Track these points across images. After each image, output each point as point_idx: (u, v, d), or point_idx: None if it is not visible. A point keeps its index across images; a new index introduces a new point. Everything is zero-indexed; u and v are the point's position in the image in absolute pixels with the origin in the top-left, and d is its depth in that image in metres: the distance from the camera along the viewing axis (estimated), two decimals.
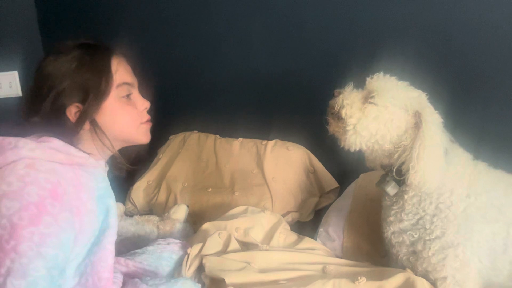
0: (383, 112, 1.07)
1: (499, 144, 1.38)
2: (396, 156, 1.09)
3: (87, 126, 0.93)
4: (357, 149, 1.11)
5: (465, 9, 1.49)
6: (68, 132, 0.91)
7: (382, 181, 1.16)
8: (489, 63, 1.49)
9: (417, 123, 1.07)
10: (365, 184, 1.55)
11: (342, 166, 1.76)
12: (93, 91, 0.91)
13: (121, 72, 0.97)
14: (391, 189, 1.13)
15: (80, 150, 0.92)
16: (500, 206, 1.07)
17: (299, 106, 1.86)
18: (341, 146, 1.13)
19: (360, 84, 1.16)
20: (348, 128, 1.08)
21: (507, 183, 1.12)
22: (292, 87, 1.85)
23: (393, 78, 1.12)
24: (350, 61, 1.70)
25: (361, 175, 1.60)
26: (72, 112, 0.92)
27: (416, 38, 1.57)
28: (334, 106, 1.12)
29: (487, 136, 1.41)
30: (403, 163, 1.07)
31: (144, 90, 1.06)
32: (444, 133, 1.09)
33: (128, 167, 1.06)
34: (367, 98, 1.08)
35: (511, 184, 1.12)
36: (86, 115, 0.91)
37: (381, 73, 1.13)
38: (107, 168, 1.03)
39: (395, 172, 1.11)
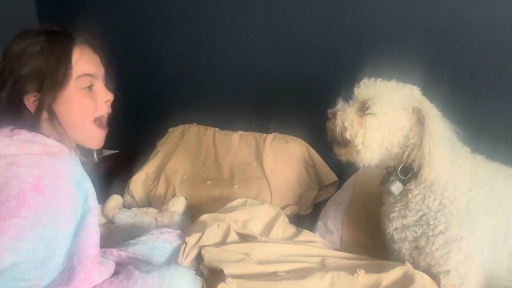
0: (383, 119, 1.05)
1: (496, 137, 1.38)
2: (405, 156, 1.08)
3: (44, 114, 0.92)
4: (377, 163, 1.09)
5: (462, 2, 1.48)
6: (29, 121, 0.90)
7: (386, 180, 1.15)
8: (486, 56, 1.49)
9: (419, 119, 1.06)
10: (365, 177, 1.55)
11: (341, 160, 1.77)
12: (49, 79, 0.89)
13: (83, 62, 0.94)
14: (395, 188, 1.12)
15: (52, 139, 0.91)
16: (500, 198, 1.08)
17: (298, 100, 1.86)
18: (361, 166, 1.11)
19: (354, 81, 1.15)
20: (358, 148, 1.06)
21: (506, 175, 1.12)
22: (292, 81, 1.85)
23: (380, 80, 1.11)
24: (350, 56, 1.71)
25: (361, 169, 1.60)
26: (30, 101, 0.90)
27: (413, 32, 1.57)
28: (335, 131, 1.10)
29: (483, 129, 1.41)
30: (413, 161, 1.06)
31: (111, 82, 1.04)
32: (447, 123, 1.08)
33: (89, 160, 1.07)
34: (363, 110, 1.07)
35: (509, 176, 1.12)
36: (42, 104, 0.89)
37: (366, 79, 1.11)
38: (78, 153, 1.03)
39: (400, 171, 1.10)
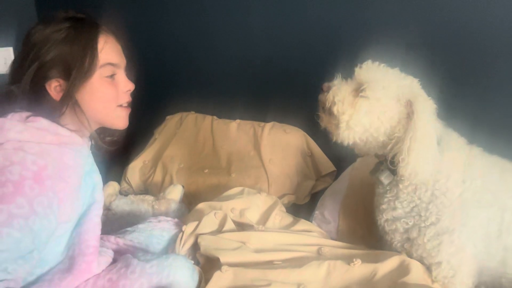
0: (375, 105, 1.04)
1: (495, 130, 1.38)
2: (389, 147, 1.07)
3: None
4: (351, 143, 1.09)
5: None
6: (47, 107, 0.89)
7: (377, 169, 1.15)
8: (484, 48, 1.47)
9: (409, 114, 1.04)
10: (362, 168, 1.54)
11: (339, 150, 1.75)
12: (76, 68, 0.88)
13: (107, 51, 0.94)
14: (385, 178, 1.11)
15: (67, 128, 0.90)
16: (495, 191, 1.07)
17: (297, 89, 1.84)
18: (334, 140, 1.11)
19: (353, 70, 1.13)
20: (341, 124, 1.05)
21: (503, 168, 1.12)
22: (290, 70, 1.84)
23: (383, 66, 1.09)
24: (348, 45, 1.69)
25: (358, 159, 1.59)
26: (51, 86, 0.89)
27: (411, 24, 1.56)
28: (325, 102, 1.09)
29: (482, 121, 1.40)
30: (395, 154, 1.05)
31: (131, 73, 1.04)
32: (437, 121, 1.07)
33: (106, 148, 1.06)
34: (358, 91, 1.05)
35: (506, 169, 1.11)
36: (69, 92, 0.89)
37: (370, 62, 1.09)
38: (90, 143, 1.02)
39: (390, 162, 1.08)
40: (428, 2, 1.53)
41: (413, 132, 1.01)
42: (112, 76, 0.95)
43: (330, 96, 1.07)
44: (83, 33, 0.90)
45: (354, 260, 1.09)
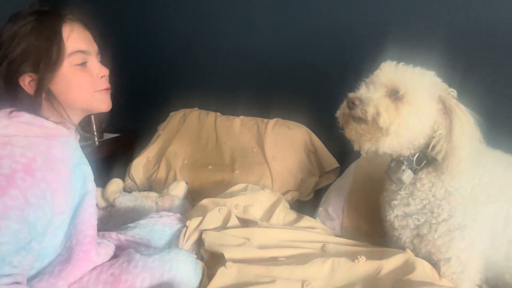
0: (418, 108, 1.00)
1: (497, 125, 1.37)
2: (430, 147, 1.04)
3: (43, 95, 0.91)
4: (398, 151, 1.05)
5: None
6: (27, 102, 0.89)
7: (396, 170, 1.10)
8: (492, 43, 1.47)
9: (445, 109, 1.02)
10: (366, 164, 1.54)
11: (343, 146, 1.75)
12: (44, 59, 0.88)
13: (74, 39, 0.92)
14: (406, 177, 1.08)
15: (51, 121, 0.91)
16: (501, 185, 1.07)
17: (301, 85, 1.84)
18: (366, 151, 1.05)
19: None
20: (390, 134, 0.99)
21: (507, 162, 1.11)
22: (294, 66, 1.83)
23: (404, 65, 1.05)
24: (353, 40, 1.68)
25: (362, 155, 1.59)
26: (25, 81, 0.90)
27: (417, 17, 1.55)
28: (362, 117, 1.01)
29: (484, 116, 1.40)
30: (437, 152, 1.02)
31: (106, 58, 1.02)
32: (472, 114, 1.04)
33: (89, 136, 1.06)
34: (392, 95, 1.01)
35: (510, 164, 1.11)
36: (41, 84, 0.89)
37: (389, 62, 1.05)
38: (78, 136, 1.03)
39: (416, 161, 1.07)
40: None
41: (460, 127, 0.99)
42: (83, 63, 0.94)
43: (371, 108, 1.00)
44: (47, 24, 0.90)
45: (359, 257, 1.08)
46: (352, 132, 1.06)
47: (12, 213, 0.77)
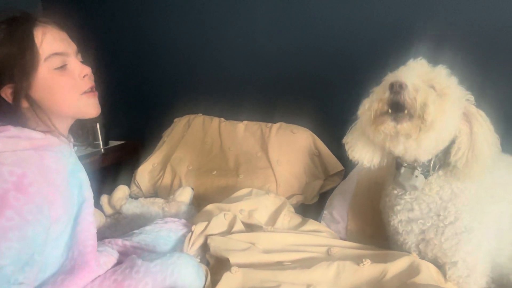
0: (454, 106, 0.94)
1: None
2: (454, 152, 0.99)
3: (25, 104, 0.88)
4: (434, 149, 0.98)
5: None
6: (11, 115, 0.86)
7: (409, 176, 1.04)
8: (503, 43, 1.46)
9: (465, 115, 0.99)
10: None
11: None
12: (18, 66, 0.85)
13: (48, 41, 0.88)
14: (420, 183, 1.03)
15: (39, 131, 0.88)
16: (504, 184, 1.06)
17: (304, 89, 1.85)
18: (398, 153, 0.98)
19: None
20: (433, 129, 0.91)
21: (507, 162, 1.11)
22: (297, 70, 1.84)
23: (427, 64, 0.99)
24: (357, 44, 1.68)
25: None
26: (7, 93, 0.87)
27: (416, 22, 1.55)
28: (408, 104, 0.90)
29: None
30: (458, 158, 0.98)
31: (90, 56, 0.98)
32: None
33: (79, 144, 1.03)
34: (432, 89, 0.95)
35: (511, 163, 1.11)
36: (18, 93, 0.86)
37: (418, 59, 0.99)
38: (71, 142, 0.99)
39: (432, 166, 1.03)
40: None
41: (483, 133, 0.96)
42: (63, 66, 0.90)
43: (422, 95, 0.89)
44: (17, 31, 0.86)
45: (364, 260, 1.08)
46: (385, 131, 0.95)
47: (11, 234, 0.76)
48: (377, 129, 0.96)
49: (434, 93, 0.92)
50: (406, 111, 0.92)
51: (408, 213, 1.09)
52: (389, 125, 0.94)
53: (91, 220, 0.96)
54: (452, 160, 1.00)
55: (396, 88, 0.91)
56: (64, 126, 0.95)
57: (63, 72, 0.90)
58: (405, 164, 1.06)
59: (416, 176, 1.03)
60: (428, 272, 1.05)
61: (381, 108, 0.96)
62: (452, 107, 0.94)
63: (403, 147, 0.97)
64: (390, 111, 0.94)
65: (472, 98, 1.01)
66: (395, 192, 1.12)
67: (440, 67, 0.99)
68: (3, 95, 0.87)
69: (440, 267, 1.09)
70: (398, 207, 1.10)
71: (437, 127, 0.91)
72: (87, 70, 0.94)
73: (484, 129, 0.98)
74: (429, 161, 1.03)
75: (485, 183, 1.05)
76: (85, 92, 0.93)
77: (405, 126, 0.93)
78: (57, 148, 0.92)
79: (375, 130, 0.97)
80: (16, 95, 0.86)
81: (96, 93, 0.96)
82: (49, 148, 0.90)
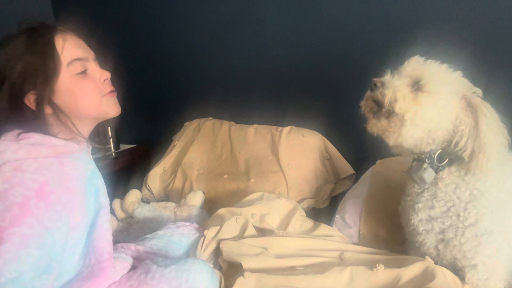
0: (437, 99, 0.99)
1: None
2: (453, 143, 1.02)
3: (49, 110, 0.91)
4: (412, 142, 1.03)
5: None
6: (35, 121, 0.89)
7: (418, 168, 1.08)
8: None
9: (469, 107, 1.02)
10: (382, 170, 1.53)
11: (358, 153, 1.75)
12: (40, 74, 0.88)
13: (68, 48, 0.92)
14: (428, 176, 1.07)
15: (61, 138, 0.91)
16: None
17: (314, 92, 1.84)
18: (391, 144, 1.04)
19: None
20: (406, 122, 0.98)
21: None
22: (307, 73, 1.83)
23: (431, 61, 1.05)
24: (367, 46, 1.68)
25: (378, 161, 1.58)
26: (30, 100, 0.89)
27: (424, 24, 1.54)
28: (381, 100, 1.00)
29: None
30: (462, 150, 1.01)
31: (104, 61, 1.02)
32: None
33: (101, 147, 1.06)
34: (414, 86, 1.01)
35: None
36: (41, 99, 0.89)
37: (418, 57, 1.05)
38: (90, 148, 1.02)
39: (437, 158, 1.05)
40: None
41: (488, 125, 0.98)
42: (84, 72, 0.94)
43: (390, 92, 0.99)
44: (39, 39, 0.90)
45: (377, 265, 1.07)
46: (373, 129, 1.05)
47: (31, 241, 0.78)
48: (368, 125, 1.06)
49: (406, 89, 0.99)
50: (384, 109, 1.01)
51: (429, 211, 1.09)
52: (371, 123, 1.04)
53: (107, 227, 0.96)
54: (456, 151, 1.03)
55: (372, 86, 1.01)
56: (85, 129, 0.98)
57: (85, 77, 0.94)
58: (416, 156, 1.10)
59: (425, 169, 1.07)
60: (444, 277, 1.03)
61: (370, 106, 1.05)
62: (433, 100, 0.99)
63: (393, 141, 1.03)
64: (375, 109, 1.04)
65: (479, 91, 1.04)
66: (415, 189, 1.12)
67: (430, 63, 1.04)
68: (27, 102, 0.90)
69: (459, 270, 1.07)
70: (420, 205, 1.10)
71: (413, 120, 0.98)
72: (107, 74, 0.98)
73: (489, 120, 0.99)
74: (434, 152, 1.06)
75: (506, 187, 1.04)
76: (105, 94, 0.97)
77: (383, 122, 1.02)
78: (76, 155, 0.93)
79: (368, 126, 1.06)
80: (39, 102, 0.89)
81: (115, 92, 1.00)
82: (70, 155, 0.91)
